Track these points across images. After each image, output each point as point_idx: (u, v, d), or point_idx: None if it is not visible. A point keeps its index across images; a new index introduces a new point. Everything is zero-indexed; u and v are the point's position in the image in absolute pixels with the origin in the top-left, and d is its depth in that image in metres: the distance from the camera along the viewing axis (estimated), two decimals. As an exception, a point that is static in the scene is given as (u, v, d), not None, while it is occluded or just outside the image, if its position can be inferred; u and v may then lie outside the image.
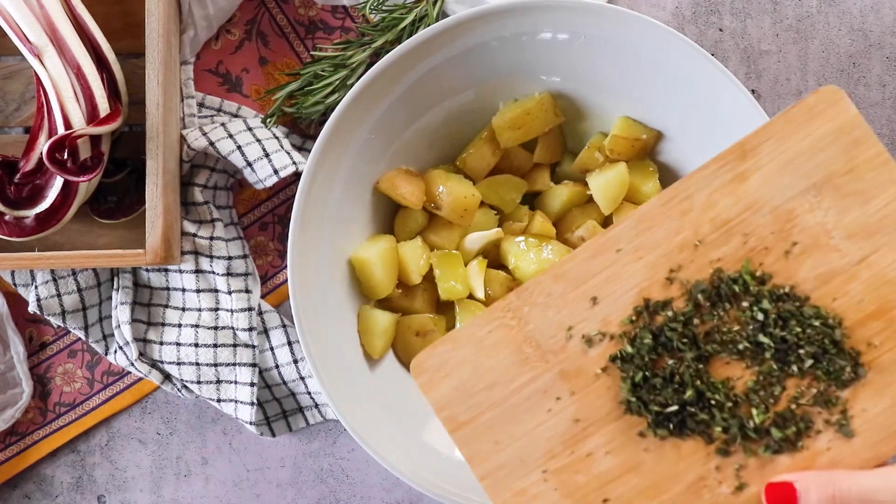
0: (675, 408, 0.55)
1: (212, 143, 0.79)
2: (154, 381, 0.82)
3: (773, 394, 0.55)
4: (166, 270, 0.81)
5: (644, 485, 0.56)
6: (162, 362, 0.81)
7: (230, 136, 0.79)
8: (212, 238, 0.80)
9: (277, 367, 0.82)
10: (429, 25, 0.74)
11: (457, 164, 0.80)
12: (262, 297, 0.84)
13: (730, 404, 0.55)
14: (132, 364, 0.81)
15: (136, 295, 0.82)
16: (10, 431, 0.84)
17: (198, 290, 0.81)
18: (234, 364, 0.81)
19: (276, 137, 0.80)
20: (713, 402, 0.55)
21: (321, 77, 0.79)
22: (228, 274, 0.80)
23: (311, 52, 0.84)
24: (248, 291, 0.81)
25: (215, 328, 0.81)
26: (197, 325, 0.80)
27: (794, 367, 0.55)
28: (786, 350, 0.55)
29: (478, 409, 0.57)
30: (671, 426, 0.56)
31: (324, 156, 0.71)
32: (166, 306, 0.82)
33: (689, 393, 0.55)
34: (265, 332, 0.83)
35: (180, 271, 0.81)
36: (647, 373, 0.56)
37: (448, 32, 0.71)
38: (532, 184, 0.81)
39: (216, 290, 0.81)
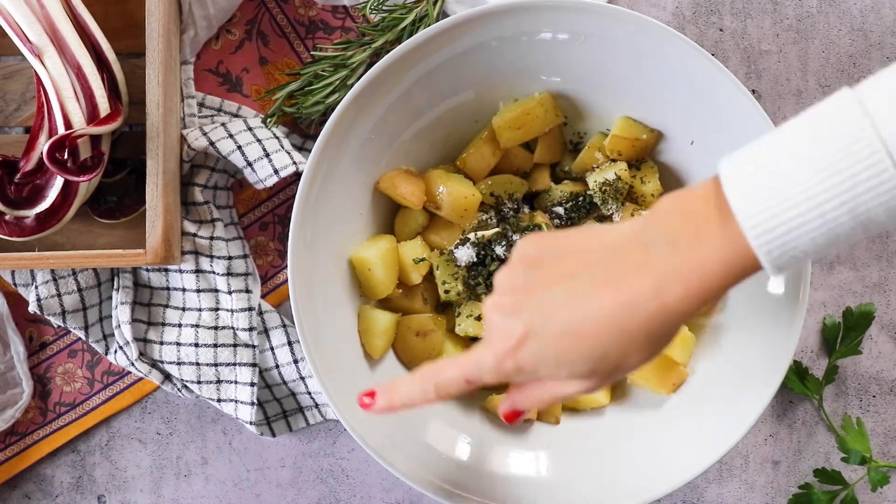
0: None
1: (212, 143, 0.79)
2: (154, 381, 0.82)
3: None
4: (166, 270, 0.81)
5: None
6: (162, 362, 0.81)
7: (230, 135, 0.79)
8: (212, 238, 0.80)
9: (278, 366, 0.82)
10: (429, 25, 0.74)
11: (457, 164, 0.80)
12: (262, 297, 0.84)
13: None
14: (132, 364, 0.81)
15: (136, 295, 0.82)
16: (10, 431, 0.84)
17: (198, 290, 0.81)
18: (235, 364, 0.81)
19: (277, 137, 0.80)
20: None
21: (321, 77, 0.79)
22: (228, 274, 0.80)
23: (312, 52, 0.84)
24: (248, 291, 0.81)
25: (215, 328, 0.81)
26: (197, 325, 0.80)
27: None
28: None
29: None
30: None
31: (324, 156, 0.71)
32: (166, 306, 0.82)
33: None
34: (265, 331, 0.83)
35: (180, 271, 0.81)
36: None
37: (448, 32, 0.71)
38: (532, 184, 0.81)
39: (216, 290, 0.81)
